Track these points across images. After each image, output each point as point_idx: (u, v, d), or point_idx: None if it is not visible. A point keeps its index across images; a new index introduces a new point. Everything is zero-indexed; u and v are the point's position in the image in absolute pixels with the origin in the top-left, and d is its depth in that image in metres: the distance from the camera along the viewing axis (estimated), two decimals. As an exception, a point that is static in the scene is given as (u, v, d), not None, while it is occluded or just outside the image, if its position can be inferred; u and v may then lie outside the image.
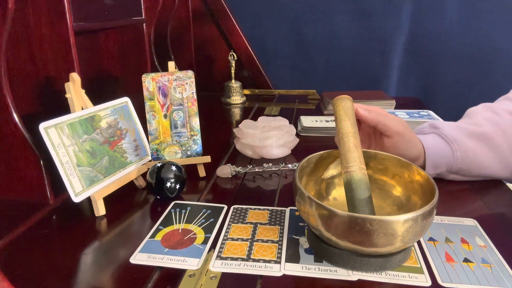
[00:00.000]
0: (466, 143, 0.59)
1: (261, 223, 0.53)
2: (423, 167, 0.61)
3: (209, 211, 0.57)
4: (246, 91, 1.27)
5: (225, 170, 0.68)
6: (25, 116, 0.57)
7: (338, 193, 0.53)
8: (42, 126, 0.53)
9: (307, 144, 0.84)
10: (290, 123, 0.81)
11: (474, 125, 0.61)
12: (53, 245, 0.50)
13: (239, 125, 0.79)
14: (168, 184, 0.58)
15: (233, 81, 1.21)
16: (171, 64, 0.68)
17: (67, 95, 0.58)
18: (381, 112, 0.56)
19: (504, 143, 0.59)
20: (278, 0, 1.35)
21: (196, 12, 1.27)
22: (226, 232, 0.51)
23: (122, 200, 0.60)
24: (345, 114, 0.51)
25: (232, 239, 0.50)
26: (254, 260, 0.45)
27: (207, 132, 0.76)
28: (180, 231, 0.52)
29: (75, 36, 0.62)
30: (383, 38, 1.31)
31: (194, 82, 0.67)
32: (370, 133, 0.61)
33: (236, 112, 1.15)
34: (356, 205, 0.46)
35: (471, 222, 0.53)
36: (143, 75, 0.65)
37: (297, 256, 0.46)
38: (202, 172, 0.68)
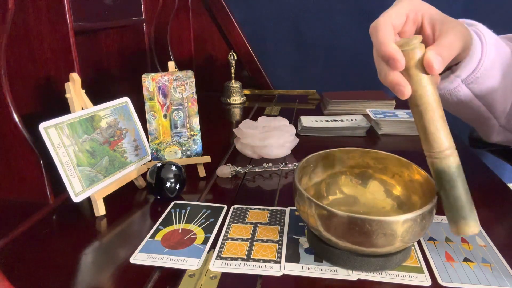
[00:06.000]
0: (492, 50, 0.53)
1: (261, 223, 0.53)
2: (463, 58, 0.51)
3: (209, 211, 0.57)
4: (246, 91, 1.27)
5: (225, 170, 0.68)
6: (25, 116, 0.57)
7: (337, 193, 0.53)
8: (42, 126, 0.53)
9: (307, 144, 0.84)
10: (290, 123, 0.81)
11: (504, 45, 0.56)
12: (53, 245, 0.50)
13: (239, 125, 0.79)
14: (168, 184, 0.58)
15: (233, 81, 1.21)
16: (171, 64, 0.68)
17: (67, 95, 0.58)
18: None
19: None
20: (278, 0, 1.35)
21: (196, 12, 1.27)
22: (226, 232, 0.51)
23: (122, 200, 0.60)
24: (427, 74, 0.38)
25: (232, 239, 0.50)
26: (254, 260, 0.45)
27: (207, 132, 0.76)
28: (180, 231, 0.52)
29: (75, 36, 0.62)
30: (383, 38, 1.31)
31: (194, 82, 0.67)
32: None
33: (236, 112, 1.15)
34: (462, 202, 0.39)
35: (471, 222, 0.53)
36: (143, 75, 0.65)
37: (297, 256, 0.46)
38: (202, 172, 0.68)
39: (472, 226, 0.40)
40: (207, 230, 0.52)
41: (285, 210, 0.56)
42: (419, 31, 0.45)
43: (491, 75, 0.54)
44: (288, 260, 0.45)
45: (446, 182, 0.39)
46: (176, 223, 0.54)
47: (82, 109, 0.60)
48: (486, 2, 1.23)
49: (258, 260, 0.45)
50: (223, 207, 0.58)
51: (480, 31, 0.54)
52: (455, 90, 0.55)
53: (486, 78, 0.54)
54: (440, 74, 0.53)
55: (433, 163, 0.40)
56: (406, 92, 0.40)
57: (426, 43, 0.44)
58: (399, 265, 0.44)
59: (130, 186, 0.63)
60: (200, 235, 0.51)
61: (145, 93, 0.65)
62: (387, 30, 0.42)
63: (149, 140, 0.66)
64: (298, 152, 0.79)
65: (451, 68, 0.54)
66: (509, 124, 0.59)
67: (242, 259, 0.46)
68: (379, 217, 0.39)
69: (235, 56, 1.19)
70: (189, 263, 0.45)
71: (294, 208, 0.57)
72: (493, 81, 0.55)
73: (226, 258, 0.46)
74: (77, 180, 0.55)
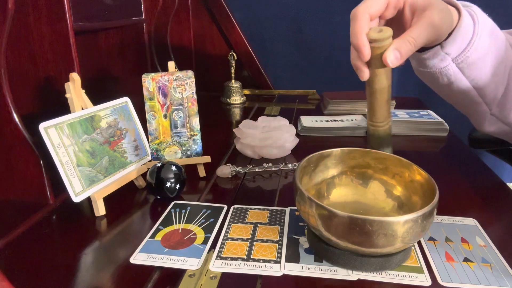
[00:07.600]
0: (485, 32, 0.54)
1: (261, 223, 0.53)
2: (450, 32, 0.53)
3: (209, 211, 0.57)
4: (246, 91, 1.27)
5: (225, 170, 0.68)
6: (25, 116, 0.57)
7: (338, 193, 0.53)
8: (42, 126, 0.53)
9: (307, 144, 0.84)
10: (290, 123, 0.81)
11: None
12: (53, 245, 0.50)
13: (239, 125, 0.79)
14: (168, 184, 0.58)
15: (233, 81, 1.21)
16: (171, 64, 0.68)
17: (67, 95, 0.58)
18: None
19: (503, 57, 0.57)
20: (278, 0, 1.35)
21: (196, 12, 1.27)
22: (226, 232, 0.51)
23: (122, 200, 0.60)
24: (384, 66, 0.46)
25: (232, 239, 0.50)
26: (254, 260, 0.45)
27: (207, 132, 0.76)
28: (180, 231, 0.52)
29: (75, 36, 0.62)
30: (383, 37, 1.32)
31: (194, 82, 0.67)
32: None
33: (236, 112, 1.15)
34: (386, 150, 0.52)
35: (471, 221, 0.53)
36: (143, 75, 0.65)
37: (297, 256, 0.46)
38: (202, 172, 0.68)
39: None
40: (207, 230, 0.52)
41: (285, 210, 0.56)
42: (400, 14, 0.49)
43: (483, 57, 0.54)
44: (288, 260, 0.45)
45: (381, 142, 0.52)
46: (176, 223, 0.54)
47: (82, 109, 0.60)
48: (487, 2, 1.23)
49: (258, 260, 0.45)
50: (223, 207, 0.58)
51: (474, 12, 0.55)
52: (445, 69, 0.56)
53: (478, 60, 0.54)
54: (429, 48, 0.55)
55: (371, 129, 0.51)
56: (363, 76, 0.48)
57: (404, 27, 0.50)
58: (399, 265, 0.44)
59: (130, 186, 0.63)
60: (200, 235, 0.51)
61: (145, 93, 0.65)
62: (363, 21, 0.47)
63: (149, 140, 0.66)
64: (298, 152, 0.79)
65: (441, 44, 0.54)
66: (501, 113, 0.60)
67: (242, 259, 0.46)
68: (380, 217, 0.39)
69: (235, 56, 1.19)
70: (189, 263, 0.45)
71: (294, 208, 0.57)
72: (485, 64, 0.55)
73: (226, 258, 0.46)
74: (77, 180, 0.55)
